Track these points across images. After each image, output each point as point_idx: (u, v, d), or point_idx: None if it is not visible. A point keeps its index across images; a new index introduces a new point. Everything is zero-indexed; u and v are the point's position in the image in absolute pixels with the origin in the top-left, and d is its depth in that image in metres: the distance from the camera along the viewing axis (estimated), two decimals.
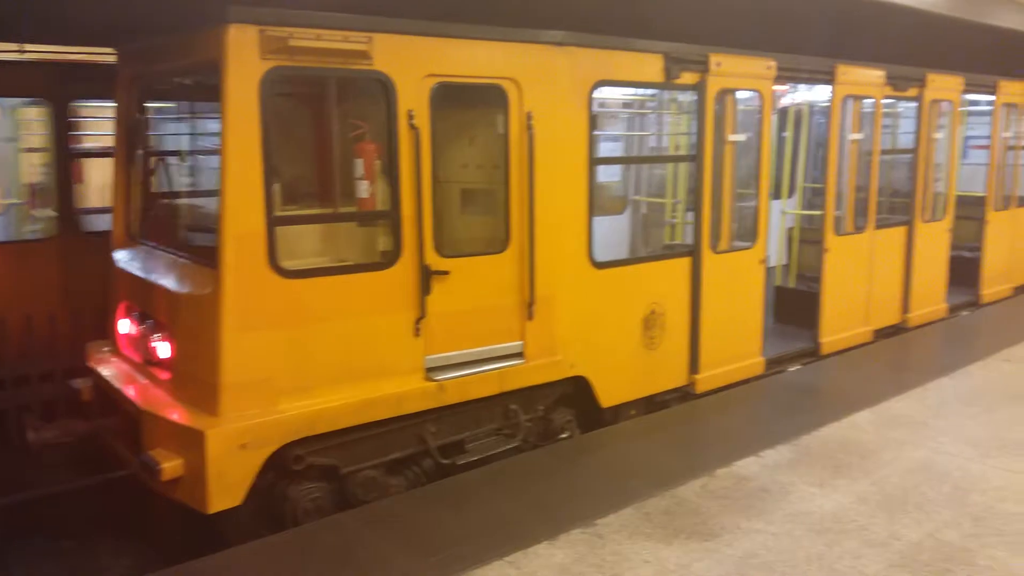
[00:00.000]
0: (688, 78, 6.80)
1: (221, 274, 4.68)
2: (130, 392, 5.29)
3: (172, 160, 7.19)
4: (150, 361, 5.44)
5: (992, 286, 10.74)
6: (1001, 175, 10.95)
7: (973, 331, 9.27)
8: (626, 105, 9.06)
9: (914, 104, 9.40)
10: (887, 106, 10.26)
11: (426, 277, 5.30)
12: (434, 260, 5.34)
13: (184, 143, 7.96)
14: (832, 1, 8.14)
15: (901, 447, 5.71)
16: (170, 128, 7.78)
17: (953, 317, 10.02)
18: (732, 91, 7.21)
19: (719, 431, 6.28)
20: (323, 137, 5.60)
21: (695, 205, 7.08)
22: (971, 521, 4.63)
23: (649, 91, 8.32)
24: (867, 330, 8.68)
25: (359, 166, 5.21)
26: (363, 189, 5.22)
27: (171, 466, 4.68)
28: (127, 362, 5.87)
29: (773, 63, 7.42)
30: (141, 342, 5.59)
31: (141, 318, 5.60)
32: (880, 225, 9.14)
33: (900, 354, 8.40)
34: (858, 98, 8.43)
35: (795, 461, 5.51)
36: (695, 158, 7.02)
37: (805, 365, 7.99)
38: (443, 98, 5.34)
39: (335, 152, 5.17)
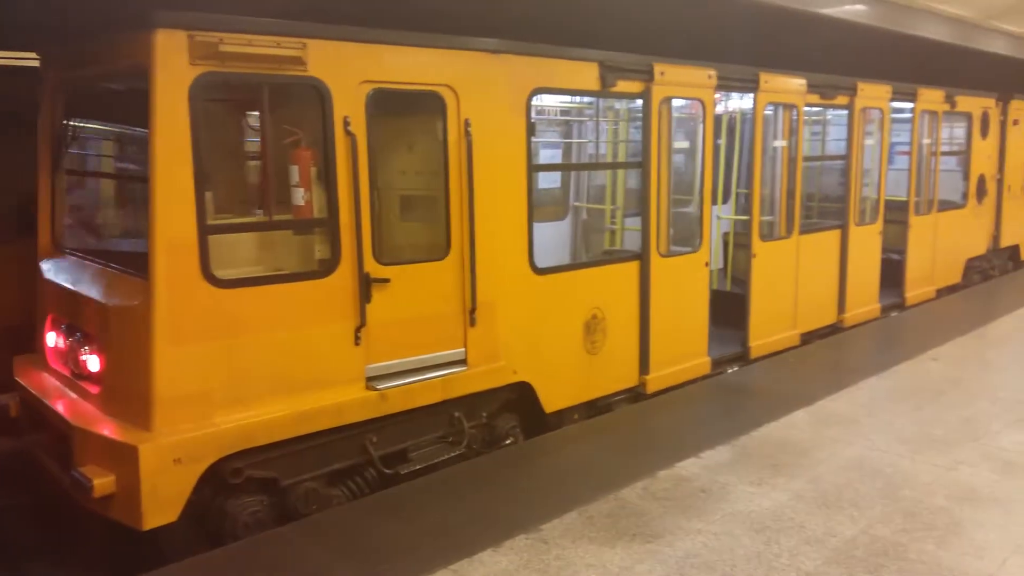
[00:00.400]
0: (625, 86, 6.91)
1: (152, 284, 4.55)
2: (59, 407, 5.12)
3: (99, 168, 6.97)
4: (79, 375, 5.26)
5: (916, 288, 11.00)
6: (924, 180, 11.26)
7: (901, 332, 9.59)
8: (565, 112, 9.13)
9: (843, 112, 9.66)
10: (817, 114, 10.60)
11: (366, 285, 5.25)
12: (374, 268, 5.29)
13: (111, 150, 7.71)
14: (765, 13, 8.38)
15: (835, 445, 5.86)
16: (97, 134, 7.50)
17: (884, 317, 10.34)
18: (676, 99, 7.41)
19: (661, 433, 6.36)
20: (258, 144, 5.50)
21: (643, 211, 7.20)
22: (902, 516, 4.77)
23: (588, 99, 8.37)
24: (794, 334, 8.83)
25: (295, 173, 5.14)
26: (299, 196, 5.14)
27: (103, 483, 4.53)
28: (56, 376, 5.65)
29: (714, 72, 7.64)
30: (70, 355, 5.41)
31: (69, 331, 5.42)
32: (811, 229, 9.43)
33: (834, 354, 8.63)
34: (784, 106, 8.61)
35: (734, 461, 5.61)
36: (644, 164, 7.15)
37: (743, 366, 8.15)
38: (380, 105, 5.31)
39: (270, 159, 5.08)
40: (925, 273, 11.23)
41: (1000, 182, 13.05)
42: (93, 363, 5.12)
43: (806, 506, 4.90)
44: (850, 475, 5.34)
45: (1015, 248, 13.91)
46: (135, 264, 4.88)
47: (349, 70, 5.15)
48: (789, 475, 5.35)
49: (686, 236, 7.86)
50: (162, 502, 4.54)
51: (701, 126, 7.84)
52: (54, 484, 5.26)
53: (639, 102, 7.27)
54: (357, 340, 5.27)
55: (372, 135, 5.27)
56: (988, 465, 5.47)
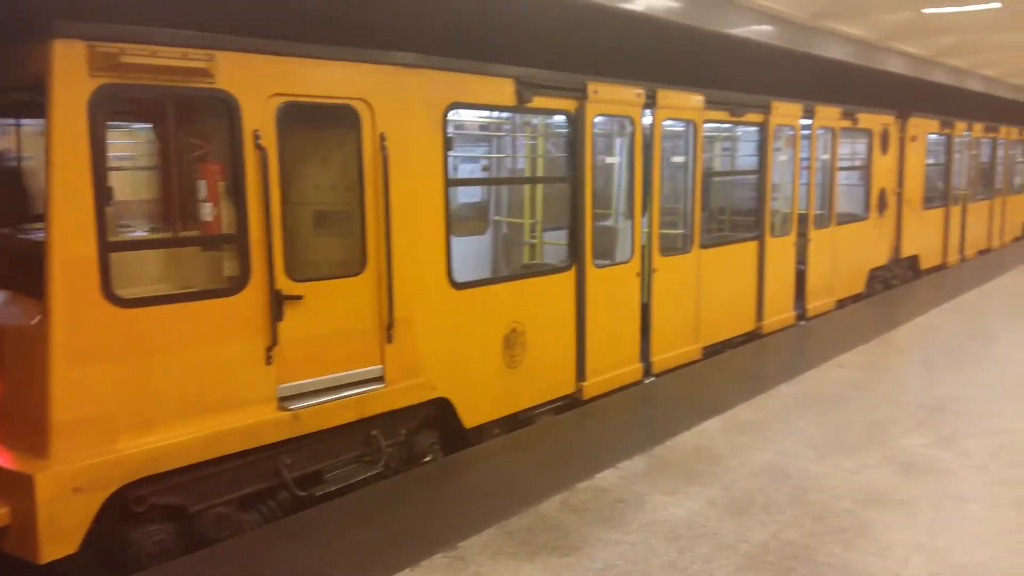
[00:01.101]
0: (550, 103, 7.05)
1: (49, 304, 4.33)
2: None
3: None
4: None
5: (816, 300, 11.27)
6: (823, 194, 11.65)
7: (810, 340, 9.91)
8: (483, 128, 9.18)
9: (753, 128, 9.99)
10: (727, 130, 10.92)
11: (277, 302, 5.12)
12: (286, 284, 5.16)
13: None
14: (681, 33, 8.64)
15: (747, 452, 6.00)
16: None
17: (796, 325, 10.70)
18: (607, 116, 7.62)
19: (580, 445, 6.39)
20: (164, 158, 5.32)
21: (575, 224, 7.34)
22: (811, 520, 4.91)
23: (505, 114, 8.44)
24: (696, 348, 8.92)
25: (202, 188, 4.98)
26: (207, 212, 4.99)
27: None
28: None
29: (642, 91, 7.88)
30: None
31: None
32: (721, 242, 9.74)
33: (746, 363, 8.86)
34: (689, 122, 8.78)
35: (650, 470, 5.69)
36: (576, 179, 7.27)
37: (658, 376, 8.28)
38: (292, 118, 5.21)
39: (176, 173, 4.92)
40: (825, 284, 11.49)
41: (900, 196, 13.60)
42: None
43: (719, 513, 5.00)
44: (761, 481, 5.47)
45: (915, 258, 14.55)
46: (32, 283, 4.58)
47: (259, 82, 5.03)
48: (703, 483, 5.45)
49: (613, 248, 8.05)
50: (60, 533, 4.32)
51: (630, 142, 8.06)
52: None
53: (559, 118, 7.34)
54: (269, 359, 5.13)
55: (283, 149, 5.16)
56: (891, 468, 5.69)
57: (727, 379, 8.17)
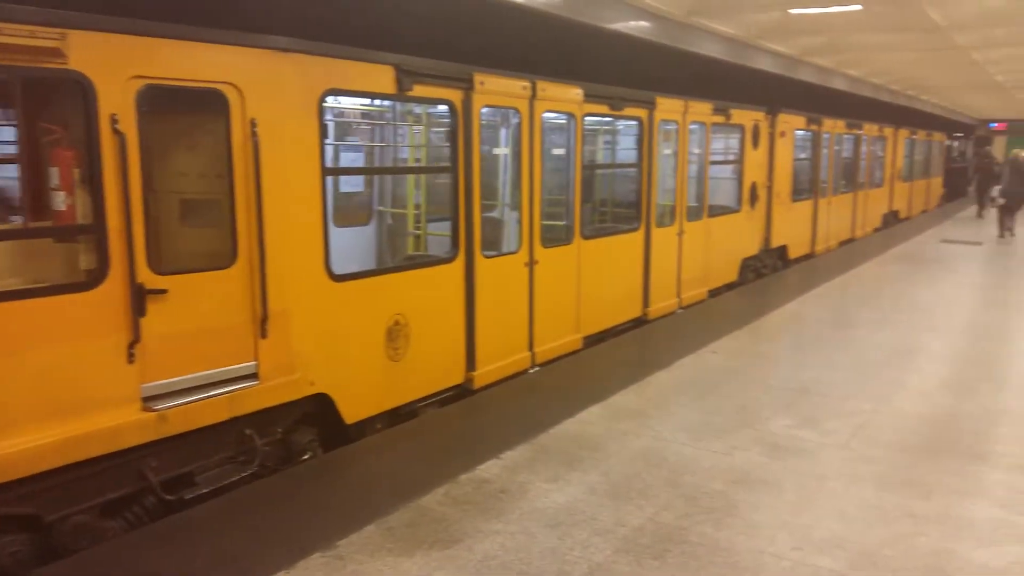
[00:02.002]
0: (435, 92, 6.96)
1: None
2: None
3: None
4: None
5: (689, 290, 11.59)
6: (696, 187, 11.93)
7: (686, 327, 10.23)
8: (365, 116, 8.99)
9: (635, 122, 10.19)
10: (610, 124, 11.11)
11: (139, 297, 4.85)
12: (148, 278, 4.89)
13: None
14: (563, 27, 8.72)
15: (626, 438, 6.14)
16: None
17: (681, 311, 11.07)
18: (494, 108, 7.62)
19: (462, 437, 6.38)
20: (11, 143, 4.98)
21: (462, 214, 7.26)
22: (684, 501, 5.07)
23: (386, 103, 8.31)
24: (576, 337, 9.02)
25: (55, 175, 4.65)
26: (60, 201, 4.67)
27: None
28: None
29: (528, 83, 7.87)
30: None
31: None
32: (603, 233, 9.91)
33: (626, 351, 9.06)
34: (570, 115, 8.84)
35: (533, 459, 5.73)
36: (464, 170, 7.20)
37: (542, 367, 8.37)
38: (154, 102, 4.92)
39: (26, 160, 4.59)
40: (699, 275, 11.83)
41: (770, 189, 14.14)
42: None
43: (598, 498, 5.10)
44: (638, 466, 5.61)
45: (784, 248, 15.27)
46: None
47: (117, 64, 4.72)
48: (583, 469, 5.54)
49: (502, 238, 8.10)
50: None
51: (517, 133, 8.05)
52: None
53: (443, 107, 7.26)
54: (131, 357, 4.85)
55: (146, 134, 4.88)
56: (759, 449, 5.94)
57: (608, 367, 8.33)
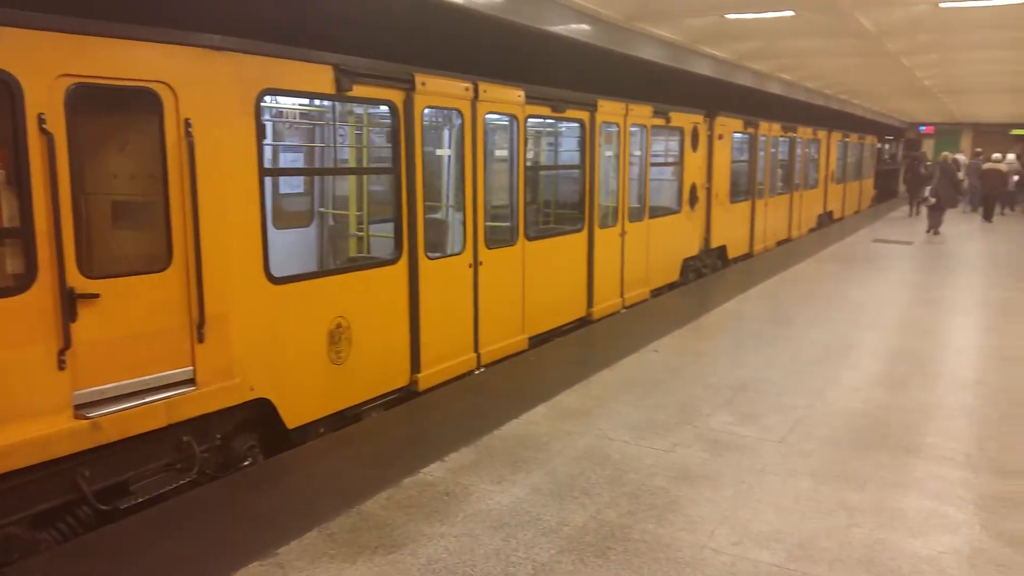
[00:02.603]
0: (374, 92, 6.88)
1: None
2: None
3: None
4: None
5: (632, 290, 11.72)
6: (637, 189, 12.10)
7: (626, 328, 10.33)
8: (304, 116, 8.86)
9: (575, 125, 10.27)
10: (551, 125, 11.17)
11: (70, 301, 4.70)
12: (79, 282, 4.75)
13: None
14: (504, 29, 8.73)
15: (570, 437, 6.17)
16: None
17: (625, 311, 11.22)
18: (436, 109, 7.59)
19: (407, 440, 6.34)
20: None
21: (406, 215, 7.21)
22: (627, 499, 5.12)
23: (328, 103, 8.21)
24: (522, 338, 9.07)
25: None
26: None
27: None
28: None
29: (471, 84, 7.85)
30: None
31: None
32: (548, 234, 9.94)
33: (571, 351, 9.11)
34: (512, 117, 8.84)
35: (477, 461, 5.72)
36: (407, 171, 7.14)
37: (488, 368, 8.37)
38: (84, 101, 4.79)
39: None
40: (641, 275, 12.00)
41: (709, 190, 14.41)
42: None
43: (543, 498, 5.11)
44: (582, 465, 5.65)
45: (723, 248, 15.59)
46: None
47: (45, 62, 4.56)
48: (528, 470, 5.55)
49: (446, 240, 8.13)
50: None
51: (459, 135, 7.99)
52: None
53: (384, 108, 7.22)
54: (61, 364, 4.69)
55: (75, 134, 4.72)
56: (700, 445, 6.04)
57: (553, 367, 8.37)
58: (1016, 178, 26.88)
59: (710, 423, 6.52)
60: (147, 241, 5.41)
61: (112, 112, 5.38)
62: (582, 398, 7.15)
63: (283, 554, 4.38)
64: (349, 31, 7.23)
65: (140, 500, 5.09)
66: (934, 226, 21.32)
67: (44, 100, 4.57)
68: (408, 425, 6.67)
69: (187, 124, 5.27)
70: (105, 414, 4.90)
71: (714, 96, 15.45)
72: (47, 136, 4.58)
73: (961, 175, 25.72)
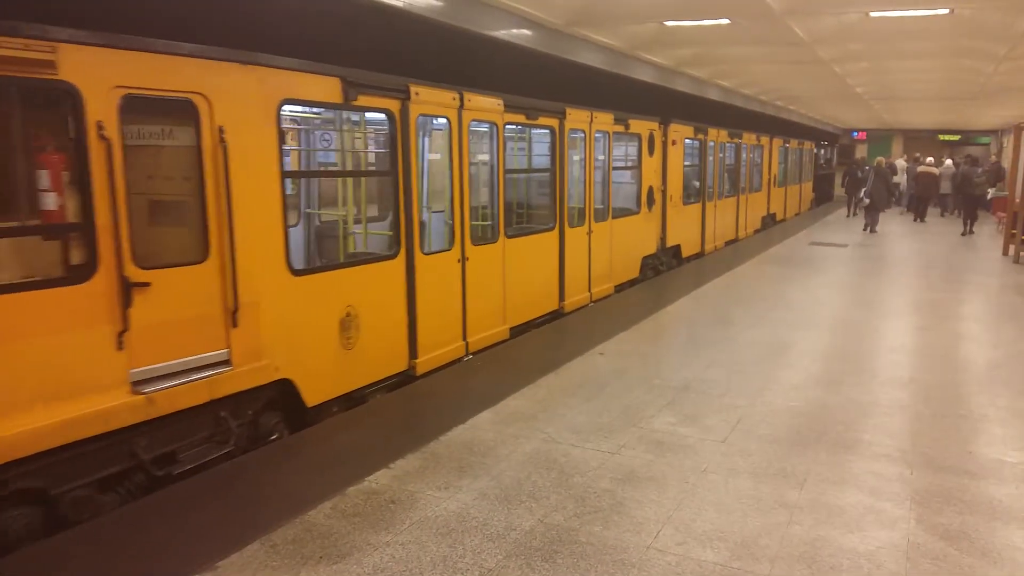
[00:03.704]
0: (373, 102, 7.42)
1: None
2: None
3: None
4: None
5: (598, 285, 12.39)
6: (601, 191, 12.61)
7: (573, 331, 10.39)
8: (305, 122, 9.06)
9: (544, 130, 10.89)
10: (523, 132, 11.63)
11: (126, 289, 5.21)
12: (133, 272, 5.26)
13: None
14: (448, 33, 8.70)
15: (516, 441, 6.17)
16: None
17: (592, 304, 11.72)
18: (427, 116, 8.25)
19: (352, 447, 6.25)
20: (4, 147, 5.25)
21: (402, 214, 7.80)
22: (574, 502, 5.13)
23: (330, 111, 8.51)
24: (504, 328, 9.67)
25: (44, 178, 4.97)
26: (50, 202, 4.99)
27: None
28: None
29: (457, 94, 8.46)
30: None
31: None
32: (524, 233, 10.60)
33: (516, 355, 9.12)
34: (492, 124, 9.42)
35: (424, 468, 5.68)
36: (405, 173, 7.76)
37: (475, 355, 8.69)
38: (134, 110, 5.28)
39: (18, 164, 5.01)
40: (605, 272, 12.64)
41: (664, 192, 15.04)
42: None
43: (489, 504, 5.09)
44: (529, 469, 5.65)
45: (678, 248, 16.27)
46: None
47: (102, 75, 5.06)
48: (474, 475, 5.53)
49: (438, 236, 8.87)
50: None
51: (448, 140, 8.58)
52: None
53: (382, 115, 7.74)
54: (120, 345, 5.23)
55: (128, 139, 5.26)
56: (644, 447, 6.09)
57: (499, 372, 8.37)
58: (948, 182, 28.09)
59: (654, 424, 6.59)
60: (187, 236, 5.89)
61: (157, 120, 5.81)
62: (528, 402, 7.15)
63: (223, 567, 4.27)
64: (287, 31, 7.17)
65: (188, 467, 5.64)
66: (870, 224, 22.93)
67: (102, 109, 5.08)
68: (353, 432, 6.58)
69: (220, 131, 5.80)
70: (157, 390, 5.44)
71: (662, 102, 15.79)
72: (105, 141, 5.07)
73: (898, 178, 28.11)
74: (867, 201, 23.03)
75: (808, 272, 15.46)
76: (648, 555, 4.48)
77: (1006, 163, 26.29)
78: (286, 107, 6.62)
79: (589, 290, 12.03)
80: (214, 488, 5.45)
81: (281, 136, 6.46)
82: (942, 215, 28.85)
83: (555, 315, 10.96)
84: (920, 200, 27.31)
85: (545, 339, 9.95)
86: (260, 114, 6.19)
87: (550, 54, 11.43)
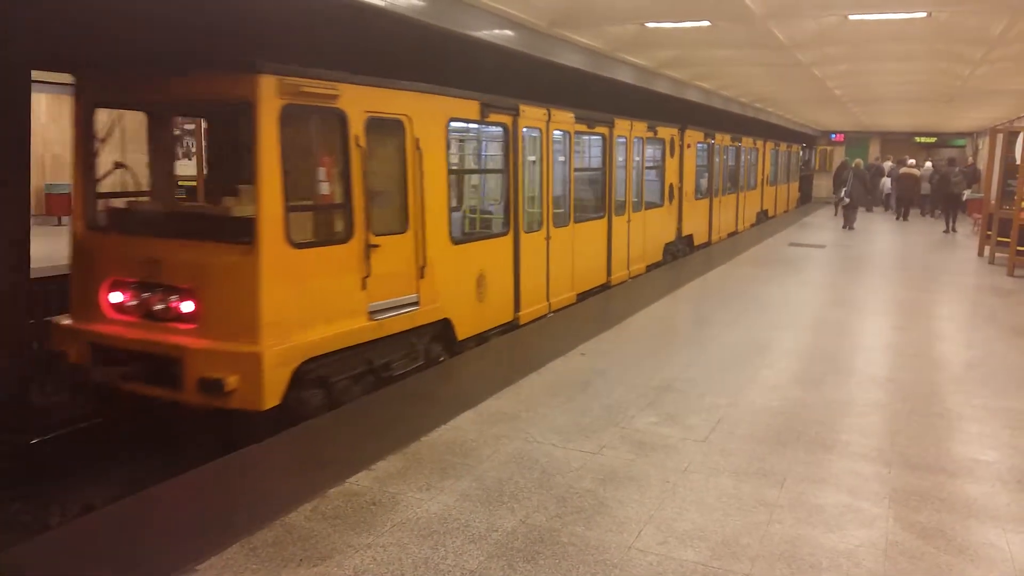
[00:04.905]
0: (496, 118, 9.94)
1: (258, 248, 6.60)
2: (156, 341, 6.89)
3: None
4: (163, 317, 7.03)
5: (636, 264, 14.66)
6: (637, 188, 14.86)
7: (552, 331, 10.39)
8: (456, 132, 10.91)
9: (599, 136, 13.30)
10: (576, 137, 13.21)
11: (367, 248, 7.53)
12: (370, 237, 7.56)
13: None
14: (434, 35, 8.67)
15: (498, 442, 6.16)
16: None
17: (630, 280, 14.27)
18: (528, 128, 10.74)
19: (333, 448, 6.20)
20: (304, 151, 7.30)
21: (512, 201, 10.35)
22: (555, 502, 5.13)
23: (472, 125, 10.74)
24: (572, 295, 12.10)
25: (321, 173, 7.26)
26: (324, 189, 7.33)
27: (232, 380, 6.46)
28: (121, 324, 7.27)
29: (546, 110, 11.03)
30: (143, 305, 7.15)
31: (141, 288, 7.16)
32: (586, 219, 12.86)
33: (499, 355, 9.13)
34: (565, 132, 11.86)
35: (405, 469, 5.65)
36: (514, 170, 10.34)
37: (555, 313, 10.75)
38: (372, 127, 7.57)
39: (310, 163, 7.23)
40: (639, 254, 15.13)
41: (680, 189, 17.35)
42: (187, 306, 6.90)
43: (471, 505, 5.08)
44: (511, 469, 5.65)
45: (691, 237, 18.71)
46: (234, 233, 6.80)
47: (359, 104, 7.42)
48: (456, 476, 5.52)
49: (533, 221, 11.13)
50: (272, 391, 6.59)
51: (539, 146, 11.11)
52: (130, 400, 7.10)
53: (500, 128, 10.29)
54: (364, 285, 7.54)
55: (367, 147, 7.46)
56: (626, 447, 6.11)
57: (482, 372, 8.37)
58: (928, 184, 29.24)
59: (635, 424, 6.61)
60: (397, 213, 8.13)
61: (381, 134, 7.87)
62: (510, 402, 7.15)
63: (203, 570, 4.23)
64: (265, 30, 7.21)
65: (398, 373, 8.05)
66: (849, 222, 24.79)
67: (357, 127, 7.40)
68: (334, 433, 6.55)
69: (416, 141, 8.22)
70: (383, 318, 7.82)
71: (641, 103, 15.93)
72: (359, 149, 7.41)
73: (884, 178, 31.25)
74: (847, 200, 24.87)
75: (787, 272, 15.59)
76: (630, 555, 4.49)
77: (981, 164, 26.94)
78: (451, 123, 8.94)
79: (628, 268, 14.46)
80: (193, 490, 5.40)
81: (449, 144, 8.88)
82: (922, 215, 30.39)
83: (604, 287, 13.35)
84: (901, 200, 29.20)
85: (526, 341, 9.94)
86: (438, 129, 8.66)
87: (532, 55, 11.43)
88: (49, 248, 13.33)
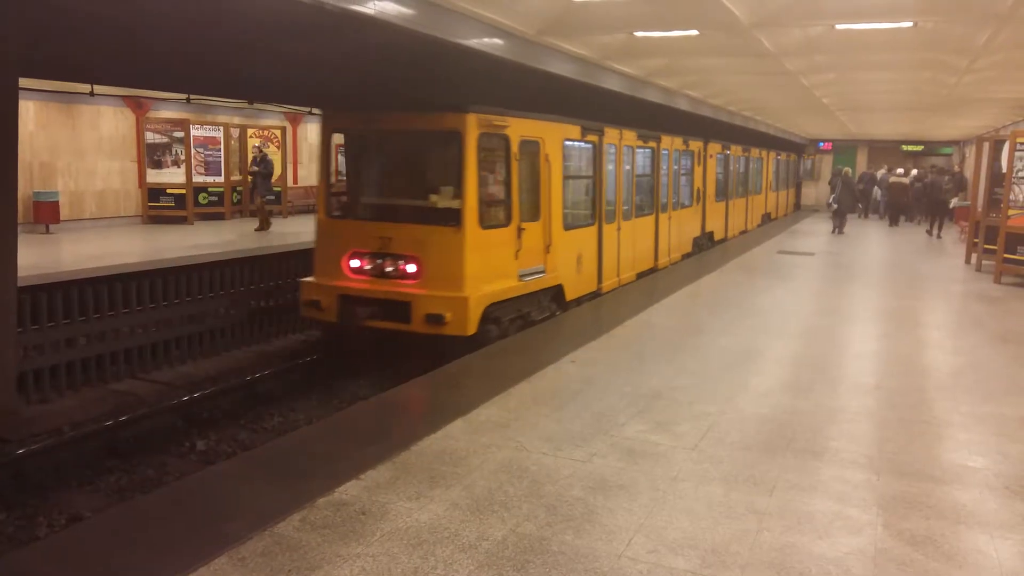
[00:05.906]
0: (589, 137, 13.36)
1: (464, 230, 10.33)
2: (394, 291, 10.44)
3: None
4: (393, 276, 10.61)
5: (675, 253, 17.99)
6: (674, 191, 18.50)
7: (541, 339, 10.39)
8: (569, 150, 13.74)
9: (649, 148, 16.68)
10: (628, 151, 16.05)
11: (519, 231, 11.03)
12: (520, 224, 11.09)
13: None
14: (429, 45, 8.71)
15: (488, 450, 6.15)
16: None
17: (671, 266, 17.63)
18: (608, 144, 14.17)
19: (321, 458, 6.18)
20: (485, 166, 10.91)
21: (597, 200, 13.82)
22: (545, 511, 5.12)
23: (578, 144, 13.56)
24: (632, 274, 15.46)
25: (491, 179, 10.89)
26: (495, 190, 10.92)
27: (448, 316, 9.99)
28: (360, 282, 10.78)
29: (619, 130, 14.64)
30: (378, 268, 10.74)
31: (374, 256, 10.71)
32: (642, 215, 16.34)
33: (489, 364, 9.10)
34: (629, 147, 15.42)
35: (395, 478, 5.63)
36: (599, 177, 13.86)
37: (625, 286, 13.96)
38: (522, 147, 11.10)
39: (486, 174, 10.86)
40: (677, 244, 18.52)
41: (703, 192, 20.63)
42: (411, 268, 10.50)
43: (461, 514, 5.07)
44: (501, 478, 5.63)
45: (711, 233, 21.91)
46: (447, 219, 10.40)
47: (517, 130, 11.05)
48: (446, 485, 5.50)
49: (611, 214, 14.64)
50: (473, 323, 10.12)
51: (614, 159, 14.63)
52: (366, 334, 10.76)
53: (590, 145, 13.71)
54: (516, 256, 11.01)
55: (520, 160, 11.14)
56: (616, 455, 6.10)
57: (470, 381, 8.35)
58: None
59: (625, 432, 6.60)
60: (534, 206, 11.59)
61: (526, 151, 11.33)
62: (500, 411, 7.14)
63: None
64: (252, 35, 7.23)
65: (536, 320, 11.54)
66: (838, 227, 26.49)
67: (515, 146, 10.92)
68: (322, 443, 6.53)
69: (546, 156, 11.72)
70: (527, 280, 11.32)
71: (627, 110, 16.14)
72: (516, 162, 10.90)
73: (876, 187, 34.04)
74: (835, 206, 26.56)
75: (774, 280, 15.65)
76: (620, 563, 4.49)
77: (967, 172, 27.45)
78: (565, 142, 12.32)
79: (669, 255, 17.83)
80: (180, 500, 5.37)
81: (564, 157, 12.37)
82: (908, 221, 31.81)
83: (652, 270, 16.54)
84: (891, 208, 31.20)
85: (516, 349, 9.94)
86: (557, 146, 12.08)
87: (522, 63, 11.47)
88: (37, 256, 13.25)
